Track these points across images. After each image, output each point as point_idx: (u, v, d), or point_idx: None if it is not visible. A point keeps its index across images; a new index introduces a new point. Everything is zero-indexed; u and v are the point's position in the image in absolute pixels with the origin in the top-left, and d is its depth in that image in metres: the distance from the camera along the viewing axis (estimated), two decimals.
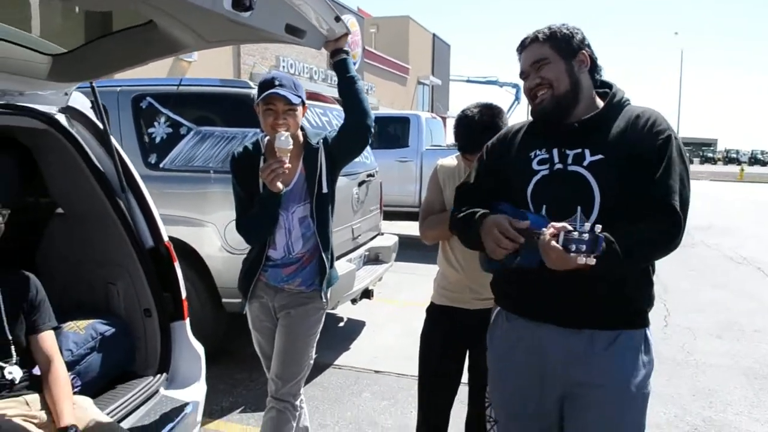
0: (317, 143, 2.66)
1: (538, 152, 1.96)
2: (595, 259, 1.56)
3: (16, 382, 2.22)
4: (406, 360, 4.57)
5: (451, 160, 2.80)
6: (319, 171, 2.63)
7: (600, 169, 1.84)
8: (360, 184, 5.26)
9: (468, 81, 42.69)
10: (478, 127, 2.53)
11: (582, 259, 1.56)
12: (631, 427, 1.91)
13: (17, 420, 2.10)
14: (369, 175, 5.53)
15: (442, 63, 42.57)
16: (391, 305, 6.33)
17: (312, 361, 2.79)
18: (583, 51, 1.94)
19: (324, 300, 2.75)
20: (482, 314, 2.67)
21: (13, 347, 2.24)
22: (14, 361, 2.24)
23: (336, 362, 4.76)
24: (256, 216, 2.62)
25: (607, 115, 1.92)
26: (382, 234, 6.06)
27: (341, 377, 4.48)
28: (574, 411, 1.94)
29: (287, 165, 2.46)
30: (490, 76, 37.60)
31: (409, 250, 7.05)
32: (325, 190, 2.65)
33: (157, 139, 4.53)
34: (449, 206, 2.71)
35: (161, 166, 4.48)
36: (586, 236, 1.56)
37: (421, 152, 9.92)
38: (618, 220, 1.75)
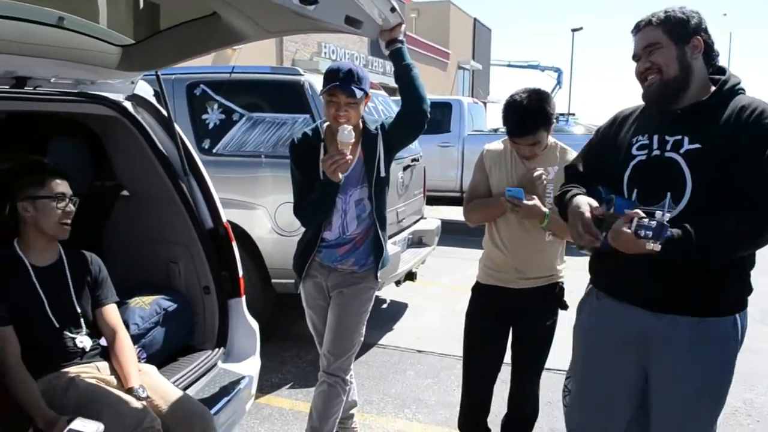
0: (375, 129, 2.77)
1: (639, 138, 2.00)
2: (659, 246, 1.66)
3: (87, 349, 2.40)
4: (448, 340, 4.70)
5: (498, 144, 2.88)
6: (378, 156, 2.74)
7: (696, 158, 1.85)
8: (405, 168, 5.35)
9: (509, 65, 42.19)
10: (526, 111, 2.60)
11: (650, 245, 1.66)
12: (707, 413, 1.97)
13: (92, 380, 2.29)
14: (413, 160, 5.62)
15: (482, 47, 42.15)
16: (433, 288, 6.44)
17: (362, 338, 2.92)
18: (698, 36, 1.91)
19: (378, 279, 2.89)
20: (527, 293, 2.77)
21: (82, 319, 2.42)
22: (84, 332, 2.42)
23: (380, 342, 4.91)
24: (314, 201, 2.74)
25: (712, 104, 1.91)
26: (425, 218, 6.16)
27: (385, 356, 4.63)
28: (653, 395, 2.00)
29: (348, 157, 2.57)
30: (531, 60, 37.11)
31: (450, 234, 7.12)
32: (383, 174, 2.77)
33: (210, 125, 4.70)
34: (495, 191, 2.80)
35: (214, 151, 4.65)
36: (654, 224, 1.66)
37: (463, 137, 9.95)
38: (708, 210, 1.80)
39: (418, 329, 5.23)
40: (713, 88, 1.95)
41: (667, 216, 1.68)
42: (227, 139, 4.65)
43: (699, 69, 1.94)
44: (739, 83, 1.96)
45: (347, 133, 2.53)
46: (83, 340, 2.40)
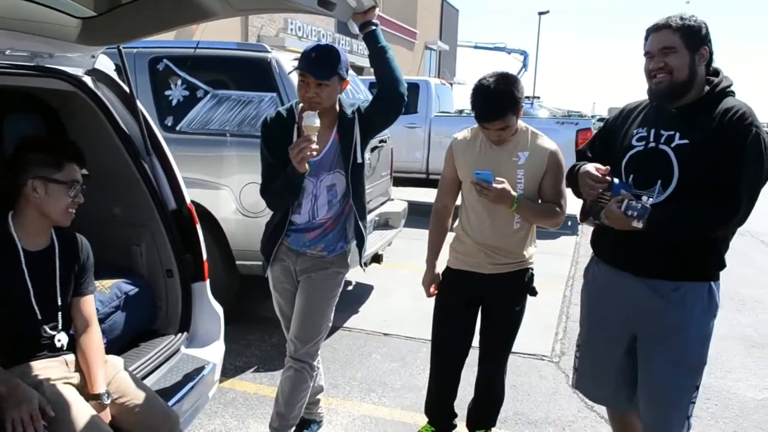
0: (352, 113, 2.69)
1: (640, 130, 2.30)
2: (641, 224, 2.01)
3: (65, 348, 2.26)
4: (414, 323, 4.70)
5: (466, 133, 2.84)
6: (355, 142, 2.67)
7: (683, 152, 2.13)
8: (372, 149, 5.29)
9: (476, 47, 42.13)
10: (494, 96, 2.57)
11: (634, 223, 2.02)
12: (692, 361, 2.29)
13: (59, 384, 2.13)
14: (381, 141, 5.56)
15: (450, 28, 42.02)
16: (400, 270, 6.43)
17: (330, 324, 2.88)
18: (705, 46, 2.16)
19: (361, 265, 2.95)
20: (496, 278, 2.76)
21: (59, 312, 2.26)
22: (60, 326, 2.26)
23: (345, 325, 4.87)
24: (279, 189, 2.66)
25: (702, 104, 2.16)
26: (392, 200, 6.12)
27: (351, 339, 4.60)
28: (641, 346, 2.35)
29: (315, 146, 2.46)
30: (498, 42, 37.02)
31: (417, 216, 7.09)
32: (359, 160, 2.70)
33: (174, 102, 4.57)
34: (465, 181, 2.78)
35: (177, 128, 4.53)
36: (639, 205, 2.01)
37: (430, 119, 9.91)
38: (691, 197, 2.11)
39: (385, 312, 5.21)
40: (707, 89, 2.19)
41: (650, 200, 2.02)
42: (191, 116, 4.52)
43: (701, 75, 2.18)
44: (730, 85, 2.20)
45: (311, 118, 2.44)
46: (61, 338, 2.25)
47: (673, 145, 2.16)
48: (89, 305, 2.37)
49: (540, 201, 2.76)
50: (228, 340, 4.34)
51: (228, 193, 4.39)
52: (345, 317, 5.01)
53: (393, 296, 5.68)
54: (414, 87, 10.15)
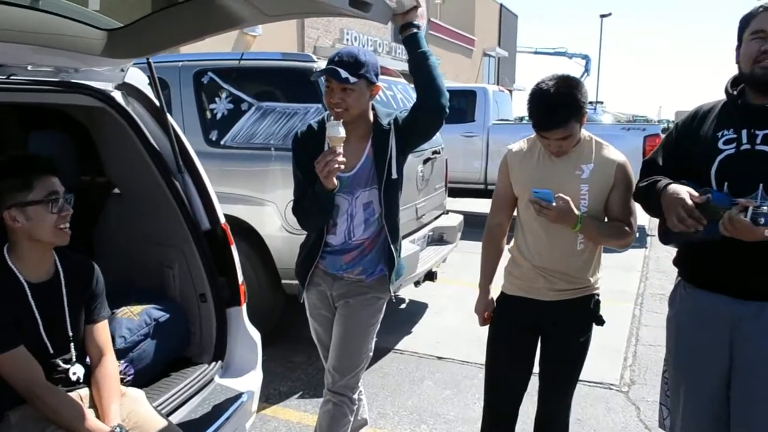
0: (388, 124, 2.45)
1: (725, 132, 2.03)
2: None
3: (80, 381, 2.11)
4: (469, 345, 4.43)
5: (522, 143, 2.56)
6: (389, 155, 2.43)
7: None
8: (425, 161, 5.04)
9: (536, 53, 41.57)
10: (555, 101, 2.27)
11: None
12: None
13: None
14: (434, 152, 5.31)
15: (509, 34, 41.46)
16: (455, 286, 6.13)
17: (371, 353, 2.65)
18: None
19: (390, 292, 2.60)
20: (557, 306, 2.47)
21: (72, 344, 2.11)
22: (74, 358, 2.11)
23: (397, 347, 4.63)
24: (307, 209, 2.45)
25: None
26: (447, 213, 5.86)
27: (402, 363, 4.35)
28: (738, 375, 2.03)
29: (341, 159, 2.23)
30: (558, 47, 36.35)
31: (474, 228, 6.80)
32: (394, 175, 2.46)
33: (219, 116, 4.44)
34: (519, 195, 2.50)
35: (222, 143, 4.39)
36: None
37: (488, 127, 9.59)
38: None
39: (438, 332, 4.94)
40: None
41: None
42: (236, 130, 4.37)
43: None
44: None
45: (334, 128, 2.22)
46: (76, 371, 2.10)
47: None
48: (103, 332, 2.21)
49: (606, 219, 2.46)
50: (272, 362, 4.21)
51: (273, 209, 4.22)
52: (396, 338, 4.76)
53: (447, 314, 5.40)
54: (471, 94, 9.89)
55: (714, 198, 1.90)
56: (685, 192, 1.94)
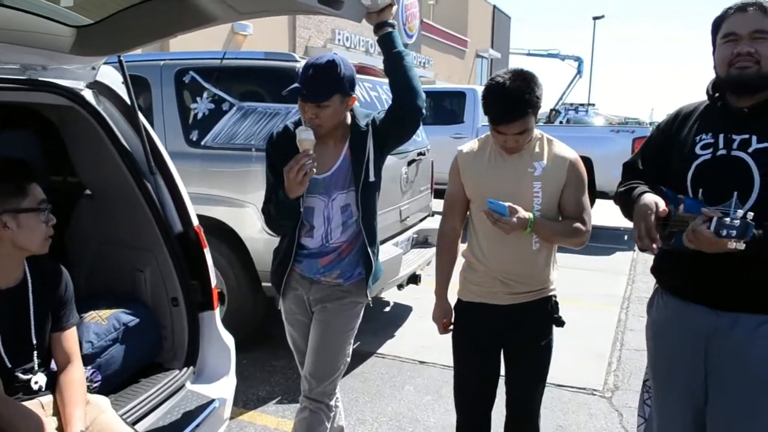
0: (366, 125, 2.39)
1: (703, 137, 1.98)
2: (744, 245, 1.65)
3: (43, 389, 2.05)
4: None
5: (473, 144, 2.50)
6: (367, 157, 2.37)
7: (764, 157, 1.84)
8: (409, 163, 4.98)
9: (528, 54, 41.39)
10: (512, 94, 2.21)
11: (732, 244, 1.65)
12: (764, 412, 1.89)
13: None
14: (419, 154, 5.25)
15: (502, 36, 41.47)
16: None
17: (348, 359, 2.59)
18: None
19: (368, 296, 2.54)
20: (515, 310, 2.42)
21: (35, 352, 2.04)
22: (37, 367, 2.05)
23: (379, 351, 4.56)
24: (272, 216, 2.40)
25: None
26: (433, 215, 5.80)
27: (384, 367, 4.29)
28: (714, 391, 1.97)
29: (312, 162, 2.18)
30: (551, 49, 36.25)
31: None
32: (372, 178, 2.41)
33: (200, 116, 4.37)
34: (472, 197, 2.45)
35: (203, 143, 4.32)
36: (737, 222, 1.64)
37: (477, 128, 9.54)
38: None
39: (421, 336, 4.87)
40: None
41: (751, 214, 1.65)
42: (216, 130, 4.30)
43: None
44: None
45: (305, 132, 2.17)
46: (38, 380, 2.03)
47: (750, 150, 1.86)
48: (70, 339, 2.14)
49: (560, 217, 2.41)
50: (252, 366, 4.15)
51: (253, 210, 4.15)
52: (379, 342, 4.70)
53: (431, 319, 5.32)
54: (460, 95, 9.86)
55: (687, 206, 1.85)
56: (653, 204, 1.89)
